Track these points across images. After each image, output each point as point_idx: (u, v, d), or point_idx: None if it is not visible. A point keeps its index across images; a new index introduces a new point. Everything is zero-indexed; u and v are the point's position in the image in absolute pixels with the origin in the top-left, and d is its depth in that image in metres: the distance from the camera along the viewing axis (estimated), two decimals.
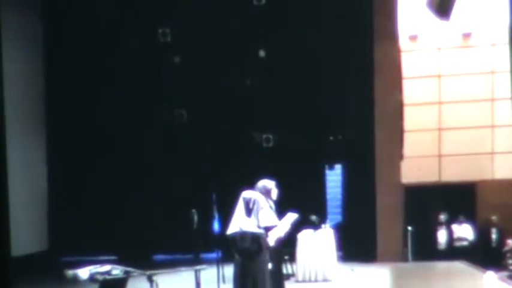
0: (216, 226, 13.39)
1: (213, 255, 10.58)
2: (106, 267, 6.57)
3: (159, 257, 14.50)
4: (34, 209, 14.17)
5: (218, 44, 14.71)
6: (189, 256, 12.49)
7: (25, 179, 13.80)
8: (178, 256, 13.43)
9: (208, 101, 14.70)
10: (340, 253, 13.20)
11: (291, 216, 10.91)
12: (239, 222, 9.63)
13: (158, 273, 6.82)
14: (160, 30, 14.73)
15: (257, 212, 9.63)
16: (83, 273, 6.44)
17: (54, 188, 14.73)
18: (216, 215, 13.43)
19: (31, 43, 14.48)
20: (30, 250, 13.59)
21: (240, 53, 14.73)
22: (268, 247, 9.64)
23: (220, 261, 9.97)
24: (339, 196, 14.65)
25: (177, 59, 14.90)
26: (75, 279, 6.40)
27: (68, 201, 14.56)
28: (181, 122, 14.71)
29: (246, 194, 9.68)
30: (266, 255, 9.61)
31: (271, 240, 9.56)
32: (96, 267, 6.53)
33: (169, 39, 14.79)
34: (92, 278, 6.45)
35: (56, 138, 14.84)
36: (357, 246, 13.55)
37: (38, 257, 13.59)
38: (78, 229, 14.36)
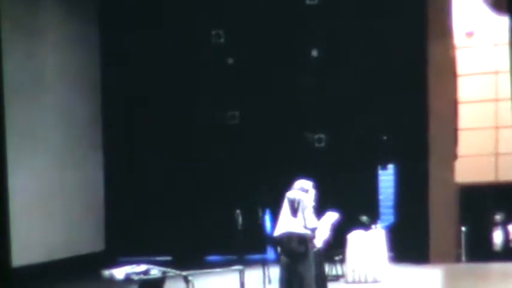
0: (268, 227, 13.55)
1: (261, 256, 10.69)
2: (142, 268, 6.71)
3: (212, 258, 14.64)
4: (91, 209, 14.53)
5: (271, 44, 14.81)
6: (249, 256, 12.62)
7: (82, 180, 14.24)
8: (231, 257, 13.56)
9: (261, 101, 14.80)
10: (392, 254, 13.09)
11: (331, 216, 10.92)
12: (285, 224, 9.71)
13: (194, 274, 6.92)
14: (213, 32, 14.92)
15: (303, 212, 9.68)
16: (119, 273, 6.60)
17: (110, 189, 15.06)
18: (268, 216, 13.60)
19: (86, 47, 14.80)
20: (87, 250, 13.98)
21: (293, 53, 14.78)
22: (314, 248, 9.68)
23: (266, 263, 10.02)
24: (392, 196, 14.52)
25: (230, 60, 15.07)
26: (112, 279, 6.58)
27: (125, 202, 14.87)
28: (233, 122, 14.85)
29: (291, 194, 9.74)
30: (312, 256, 9.65)
31: (319, 242, 9.59)
32: (133, 268, 6.68)
33: (222, 40, 14.96)
34: (128, 278, 6.60)
35: (112, 139, 15.16)
36: (409, 246, 13.38)
37: (95, 258, 13.91)
38: (134, 230, 14.69)
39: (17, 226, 12.22)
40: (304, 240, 9.61)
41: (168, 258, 14.02)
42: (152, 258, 13.03)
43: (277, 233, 9.68)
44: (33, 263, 12.42)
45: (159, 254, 13.98)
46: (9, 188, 12.03)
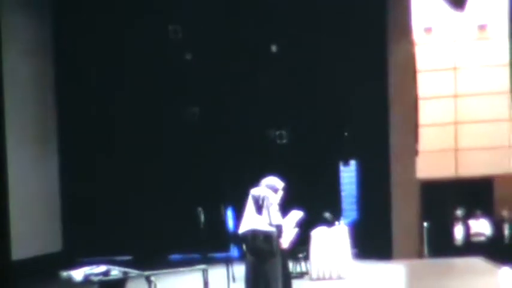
0: (230, 225, 13.39)
1: (225, 254, 10.53)
2: (102, 268, 6.47)
3: (175, 256, 14.41)
4: (47, 209, 14.16)
5: (230, 39, 14.63)
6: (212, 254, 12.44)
7: (37, 179, 13.86)
8: (194, 256, 13.37)
9: (221, 98, 14.62)
10: (356, 250, 13.06)
11: (296, 214, 10.82)
12: (250, 221, 9.55)
13: (157, 274, 6.71)
14: (170, 27, 14.69)
15: (268, 209, 9.53)
16: (77, 274, 6.35)
17: (67, 188, 14.71)
18: (230, 214, 13.45)
19: (40, 44, 14.44)
20: (45, 251, 13.61)
21: (252, 49, 14.61)
22: (280, 247, 9.55)
23: (230, 261, 9.86)
24: (354, 193, 14.49)
25: (188, 56, 14.86)
26: (70, 281, 6.33)
27: (83, 201, 14.51)
28: (193, 119, 14.63)
29: (255, 191, 9.58)
30: (278, 254, 9.51)
31: (285, 242, 9.44)
32: (92, 268, 6.44)
33: (180, 35, 14.73)
34: (87, 279, 6.36)
35: (68, 136, 14.81)
36: (372, 243, 13.39)
37: (52, 258, 13.56)
38: (93, 229, 14.34)
39: None
40: (269, 238, 9.47)
41: (129, 258, 13.76)
42: (112, 258, 12.81)
43: (241, 230, 9.52)
44: None
45: (120, 254, 13.73)
46: None
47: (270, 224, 9.50)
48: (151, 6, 14.68)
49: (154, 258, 13.33)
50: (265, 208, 9.46)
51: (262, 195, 9.45)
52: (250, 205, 9.51)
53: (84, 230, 14.31)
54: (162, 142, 14.66)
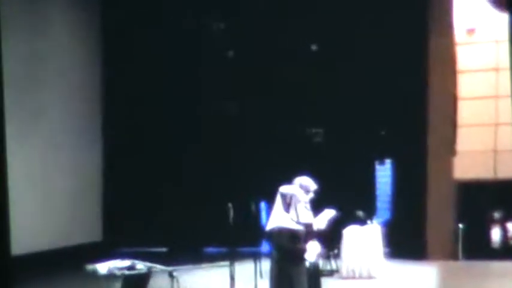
0: (264, 220, 13.52)
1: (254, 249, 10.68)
2: (126, 262, 6.69)
3: (210, 250, 14.63)
4: (89, 200, 14.54)
5: (271, 38, 14.77)
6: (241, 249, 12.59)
7: (80, 170, 14.23)
8: (226, 250, 13.55)
9: (260, 95, 14.76)
10: (388, 250, 13.07)
11: (328, 213, 10.90)
12: (277, 218, 9.68)
13: (179, 269, 6.91)
14: (214, 24, 14.91)
15: (295, 207, 9.64)
16: (102, 268, 6.59)
17: (108, 178, 15.05)
18: (264, 209, 13.57)
19: (89, 38, 14.82)
20: (85, 240, 14.00)
21: (292, 47, 14.73)
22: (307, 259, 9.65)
23: (259, 256, 10.02)
24: (389, 192, 14.47)
25: (230, 53, 15.08)
26: (95, 274, 6.57)
27: (123, 192, 14.89)
28: (232, 114, 14.84)
29: (284, 189, 9.69)
30: (304, 252, 9.61)
31: (311, 256, 9.50)
32: (116, 263, 6.67)
33: (223, 33, 14.96)
34: (111, 273, 6.59)
35: (112, 128, 15.17)
36: (405, 243, 13.34)
37: (92, 248, 13.93)
38: (132, 220, 14.67)
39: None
40: (295, 236, 9.57)
41: (164, 249, 14.07)
42: (148, 250, 13.12)
43: (268, 227, 9.66)
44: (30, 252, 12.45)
45: (156, 246, 14.07)
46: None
47: (298, 222, 9.61)
48: (195, 3, 14.94)
49: (188, 251, 13.59)
50: (293, 206, 9.57)
51: (290, 192, 9.56)
52: (278, 202, 9.64)
53: (123, 221, 14.67)
54: (200, 137, 14.86)
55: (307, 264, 9.23)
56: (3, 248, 8.62)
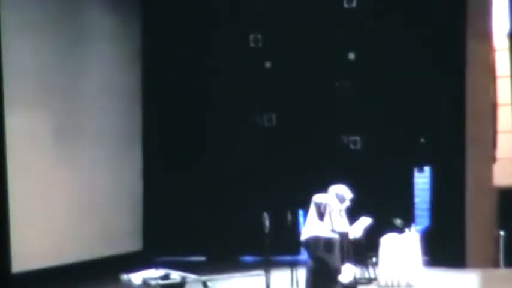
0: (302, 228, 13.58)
1: (291, 258, 10.74)
2: (161, 272, 6.83)
3: (247, 258, 14.73)
4: (129, 209, 14.77)
5: (308, 47, 14.86)
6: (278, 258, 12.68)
7: (120, 180, 14.49)
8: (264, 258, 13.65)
9: (297, 104, 14.85)
10: (427, 258, 12.99)
11: (364, 221, 10.93)
12: (312, 227, 9.76)
13: (213, 279, 7.02)
14: (252, 36, 15.05)
15: (330, 215, 9.72)
16: (137, 278, 6.73)
17: (149, 188, 15.24)
18: (302, 218, 13.64)
19: (128, 51, 15.11)
20: (126, 250, 14.25)
21: (330, 56, 14.80)
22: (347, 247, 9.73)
23: (295, 265, 10.08)
24: (428, 199, 14.38)
25: (268, 64, 15.20)
26: (130, 284, 6.71)
27: (163, 202, 15.03)
28: (270, 125, 14.95)
29: (317, 198, 9.78)
30: (338, 261, 9.68)
31: (346, 277, 9.57)
32: (151, 272, 6.80)
33: (260, 44, 15.08)
34: (145, 283, 6.72)
35: (151, 140, 15.36)
36: (445, 250, 13.22)
37: (133, 257, 14.18)
38: (172, 230, 14.83)
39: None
40: (331, 245, 9.65)
41: (203, 258, 14.22)
42: (187, 259, 13.28)
43: (303, 237, 9.74)
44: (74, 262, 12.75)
45: (195, 255, 14.24)
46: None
47: (333, 231, 9.68)
48: (233, 15, 15.10)
49: (225, 260, 13.73)
50: (327, 215, 9.65)
51: (324, 201, 9.65)
52: (312, 212, 9.73)
53: (163, 230, 14.86)
54: (238, 147, 14.99)
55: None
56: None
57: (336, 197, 10.00)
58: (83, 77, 13.70)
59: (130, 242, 14.56)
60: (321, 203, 9.63)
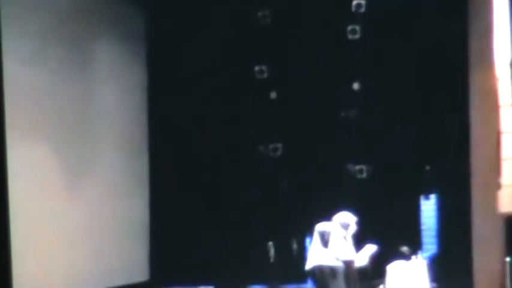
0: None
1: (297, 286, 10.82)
2: None
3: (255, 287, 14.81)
4: (135, 238, 14.84)
5: (313, 78, 15.08)
6: (285, 287, 12.76)
7: (126, 209, 14.56)
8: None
9: (303, 134, 15.04)
10: (435, 285, 13.02)
11: (369, 248, 11.01)
12: (316, 256, 9.87)
13: None
14: (257, 68, 15.28)
15: (334, 243, 9.83)
16: None
17: (155, 218, 15.34)
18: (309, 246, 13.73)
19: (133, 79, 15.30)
20: (132, 280, 14.31)
21: (334, 86, 15.01)
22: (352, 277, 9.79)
23: None
24: (434, 226, 14.46)
25: (273, 95, 15.40)
26: None
27: (169, 231, 15.13)
28: (276, 155, 15.09)
29: (320, 226, 9.91)
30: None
31: (362, 260, 9.65)
32: None
33: (266, 75, 15.30)
34: None
35: (157, 169, 15.51)
36: (452, 278, 13.29)
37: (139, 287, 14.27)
38: (179, 259, 14.90)
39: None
40: (336, 273, 9.75)
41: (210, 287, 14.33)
42: None
43: (308, 266, 9.84)
44: None
45: (203, 284, 14.32)
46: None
47: (337, 259, 9.78)
48: (237, 46, 15.34)
49: None
50: (331, 243, 9.76)
51: (327, 230, 9.77)
52: (316, 240, 9.85)
53: (170, 260, 14.95)
54: (244, 177, 15.13)
55: None
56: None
57: (339, 224, 10.12)
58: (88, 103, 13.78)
59: (137, 273, 14.63)
60: (324, 231, 9.76)
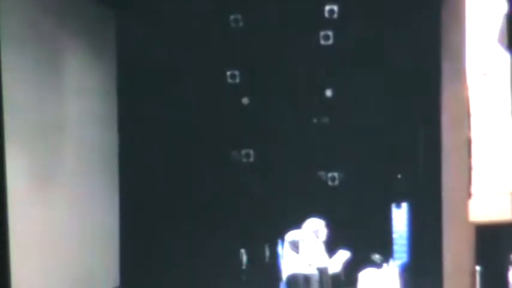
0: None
1: None
2: None
3: None
4: (105, 245, 14.60)
5: (286, 84, 15.06)
6: None
7: (96, 215, 14.29)
8: None
9: (275, 140, 15.00)
10: None
11: (343, 254, 10.98)
12: (289, 265, 9.80)
13: None
14: (229, 72, 15.19)
15: (306, 251, 9.77)
16: None
17: (125, 224, 15.12)
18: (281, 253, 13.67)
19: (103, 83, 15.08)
20: (102, 287, 14.11)
21: (308, 93, 15.02)
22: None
23: None
24: (405, 235, 14.50)
25: (245, 100, 15.33)
26: None
27: (139, 238, 14.95)
28: (247, 161, 15.03)
29: (290, 236, 9.84)
30: None
31: (336, 266, 9.61)
32: None
33: (238, 80, 15.22)
34: None
35: (128, 175, 15.27)
36: (423, 285, 13.35)
37: None
38: (149, 266, 14.74)
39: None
40: (309, 280, 9.69)
41: None
42: None
43: (283, 275, 9.77)
44: None
45: None
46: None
47: (311, 265, 9.72)
48: (209, 51, 15.22)
49: None
50: (303, 250, 9.70)
51: (298, 238, 9.70)
52: (287, 250, 9.77)
53: (140, 266, 14.75)
54: (215, 183, 15.08)
55: None
56: None
57: (310, 231, 10.07)
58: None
59: (107, 281, 14.41)
60: (294, 240, 9.68)
